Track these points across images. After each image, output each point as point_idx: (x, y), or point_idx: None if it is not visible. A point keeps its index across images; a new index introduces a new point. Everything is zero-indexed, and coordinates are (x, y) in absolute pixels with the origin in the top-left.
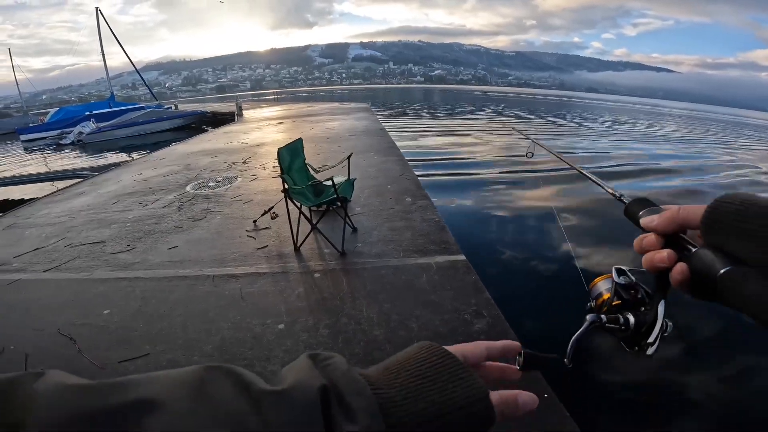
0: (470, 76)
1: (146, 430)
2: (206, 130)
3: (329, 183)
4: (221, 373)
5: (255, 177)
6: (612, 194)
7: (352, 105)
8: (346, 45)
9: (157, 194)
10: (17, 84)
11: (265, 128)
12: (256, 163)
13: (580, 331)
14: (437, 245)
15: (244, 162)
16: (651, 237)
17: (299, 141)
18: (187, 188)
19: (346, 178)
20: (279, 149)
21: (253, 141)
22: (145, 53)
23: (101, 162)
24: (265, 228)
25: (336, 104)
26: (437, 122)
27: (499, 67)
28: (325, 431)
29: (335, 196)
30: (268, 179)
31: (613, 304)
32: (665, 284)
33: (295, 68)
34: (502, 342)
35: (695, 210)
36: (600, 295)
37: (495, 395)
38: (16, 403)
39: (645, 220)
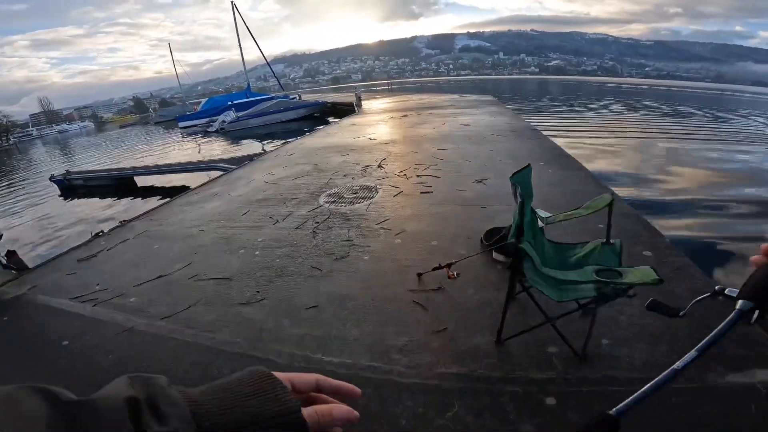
0: (595, 67)
1: None
2: (328, 121)
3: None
4: (31, 390)
5: (399, 191)
6: None
7: (476, 97)
8: (453, 36)
9: (288, 205)
10: (177, 77)
11: (389, 122)
12: (394, 168)
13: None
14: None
15: (380, 165)
16: None
17: (528, 170)
18: (321, 200)
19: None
20: (514, 179)
21: (381, 137)
22: (272, 47)
23: (238, 152)
24: (436, 289)
25: (456, 96)
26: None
27: (632, 57)
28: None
29: (612, 293)
30: (416, 197)
31: None
32: None
33: (403, 59)
34: (338, 382)
35: None
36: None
37: (310, 410)
38: None
39: None
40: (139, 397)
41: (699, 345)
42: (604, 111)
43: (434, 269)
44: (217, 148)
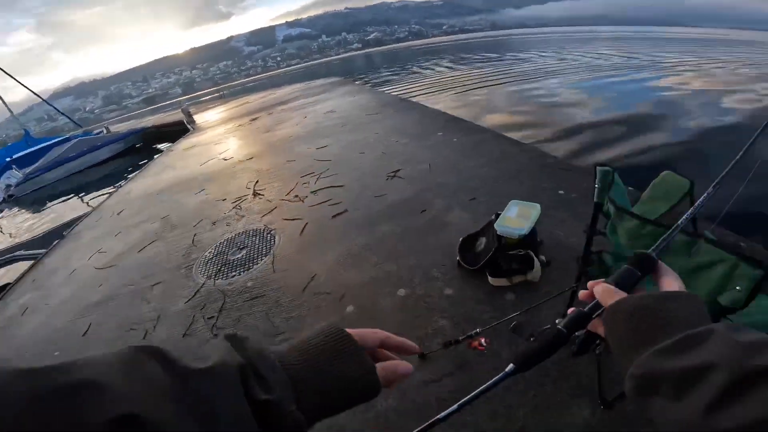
0: (406, 33)
1: (92, 408)
2: (158, 150)
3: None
4: (149, 354)
5: (302, 223)
6: None
7: (321, 81)
8: (272, 28)
9: (150, 300)
10: None
11: (239, 131)
12: (276, 190)
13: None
14: None
15: (255, 193)
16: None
17: (609, 172)
18: (197, 277)
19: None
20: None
21: (238, 153)
22: (49, 80)
23: (44, 227)
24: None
25: (300, 85)
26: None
27: (431, 18)
28: (246, 400)
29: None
30: (330, 226)
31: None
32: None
33: (225, 62)
34: (402, 339)
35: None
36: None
37: (378, 367)
38: None
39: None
40: (245, 363)
41: (463, 399)
42: (440, 69)
43: (446, 345)
44: (11, 228)
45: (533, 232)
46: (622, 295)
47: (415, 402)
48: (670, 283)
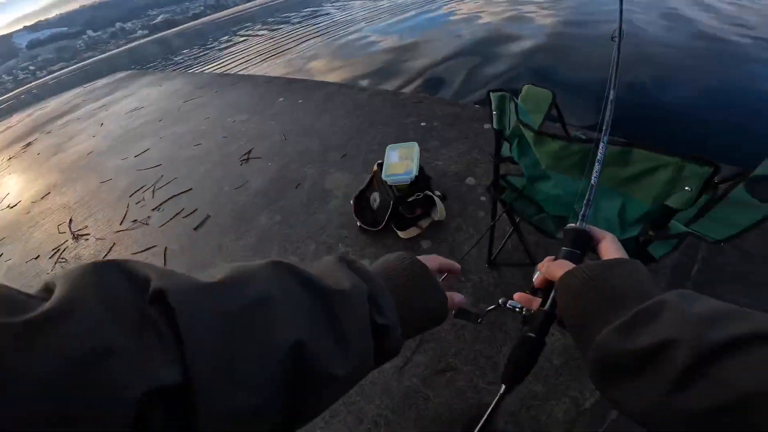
0: (202, 7)
1: (272, 322)
2: None
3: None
4: (289, 272)
5: (161, 248)
6: None
7: (105, 81)
8: (7, 37)
9: None
10: None
11: (12, 164)
12: (106, 223)
13: (495, 306)
14: None
15: (78, 237)
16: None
17: (506, 97)
18: None
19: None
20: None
21: (27, 193)
22: None
23: None
24: None
25: (79, 89)
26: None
27: None
28: (370, 324)
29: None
30: (213, 235)
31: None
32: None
33: None
34: (450, 261)
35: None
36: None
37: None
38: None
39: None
40: (370, 291)
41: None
42: (256, 36)
43: None
44: None
45: (421, 170)
46: (570, 266)
47: (389, 384)
48: (608, 248)
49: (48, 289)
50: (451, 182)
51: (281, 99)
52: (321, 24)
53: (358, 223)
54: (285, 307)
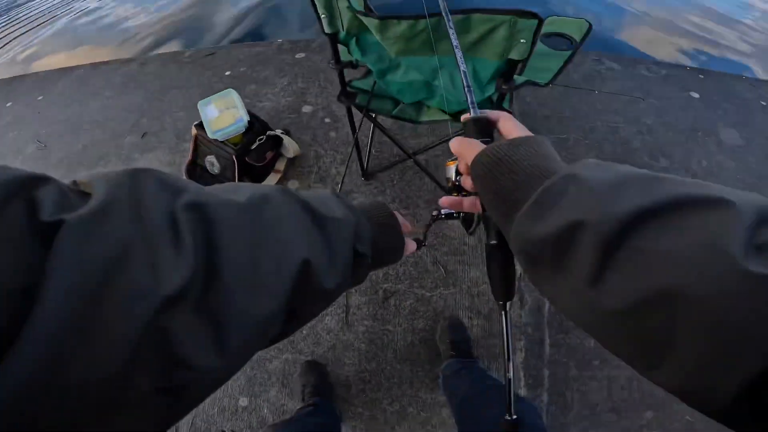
0: None
1: (285, 240)
2: None
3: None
4: (288, 195)
5: None
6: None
7: None
8: None
9: None
10: None
11: None
12: None
13: (432, 220)
14: None
15: None
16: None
17: None
18: None
19: None
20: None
21: None
22: None
23: None
24: None
25: None
26: None
27: None
28: (353, 249)
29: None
30: None
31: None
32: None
33: None
34: (403, 219)
35: (473, 154)
36: (449, 178)
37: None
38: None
39: (452, 142)
40: (356, 222)
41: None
42: None
43: None
44: None
45: (251, 115)
46: (480, 146)
47: None
48: (508, 126)
49: (77, 188)
50: (287, 117)
51: (9, 104)
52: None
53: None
54: (294, 227)
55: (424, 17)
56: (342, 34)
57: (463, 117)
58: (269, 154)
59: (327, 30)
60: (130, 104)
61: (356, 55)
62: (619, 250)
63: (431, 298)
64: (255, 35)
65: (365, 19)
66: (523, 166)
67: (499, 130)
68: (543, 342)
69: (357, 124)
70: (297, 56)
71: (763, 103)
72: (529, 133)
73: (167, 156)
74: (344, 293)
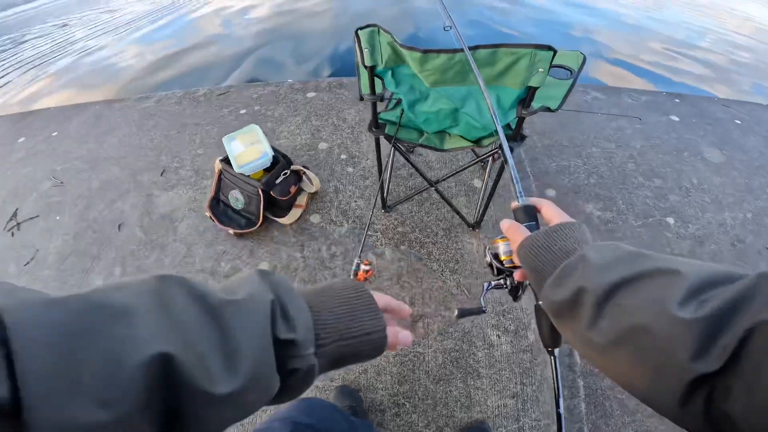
0: None
1: (128, 344)
2: None
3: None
4: (177, 285)
5: None
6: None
7: None
8: None
9: None
10: None
11: None
12: None
13: (484, 292)
14: None
15: None
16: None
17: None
18: None
19: None
20: (364, 31)
21: None
22: None
23: None
24: None
25: None
26: None
27: None
28: (271, 337)
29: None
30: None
31: (505, 267)
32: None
33: None
34: (400, 302)
35: (519, 240)
36: (497, 254)
37: (388, 329)
38: None
39: (503, 223)
40: (275, 300)
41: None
42: None
43: None
44: None
45: (274, 149)
46: (525, 233)
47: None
48: (550, 212)
49: None
50: (305, 153)
51: (22, 139)
52: (40, 48)
53: (230, 231)
54: (150, 318)
55: (461, 50)
56: (380, 67)
57: (513, 205)
58: (293, 189)
59: (368, 63)
60: (151, 141)
61: (390, 87)
62: (606, 305)
63: (458, 320)
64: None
65: (409, 53)
66: (554, 249)
67: (542, 215)
68: (572, 354)
69: (388, 157)
70: (308, 95)
71: (737, 121)
72: (568, 218)
73: (188, 192)
74: None
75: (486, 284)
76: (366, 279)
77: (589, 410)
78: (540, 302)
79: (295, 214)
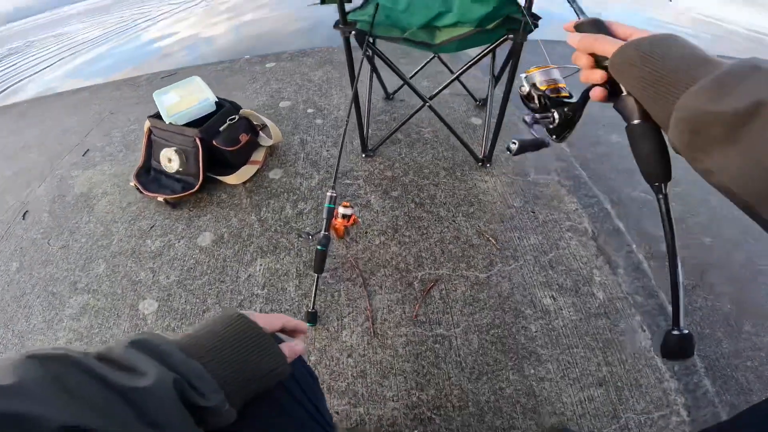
0: None
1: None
2: None
3: None
4: (76, 369)
5: None
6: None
7: None
8: None
9: None
10: None
11: None
12: None
13: (530, 126)
14: None
15: None
16: (589, 58)
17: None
18: None
19: None
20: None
21: None
22: None
23: None
24: None
25: None
26: None
27: None
28: (186, 406)
29: None
30: None
31: (549, 96)
32: (588, 94)
33: None
34: (297, 321)
35: (610, 48)
36: (532, 84)
37: (284, 348)
38: None
39: (571, 36)
40: (178, 378)
41: None
42: None
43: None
44: None
45: (222, 100)
46: (614, 42)
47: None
48: (631, 30)
49: None
50: (263, 112)
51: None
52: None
53: (160, 198)
54: (45, 395)
55: None
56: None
57: (575, 22)
58: (244, 137)
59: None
60: (75, 126)
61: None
62: None
63: (489, 280)
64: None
65: None
66: (677, 53)
67: (614, 34)
68: (665, 312)
69: (358, 68)
70: (267, 65)
71: None
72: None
73: (113, 168)
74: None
75: (528, 117)
76: (346, 230)
77: (718, 388)
78: (635, 121)
79: (247, 171)
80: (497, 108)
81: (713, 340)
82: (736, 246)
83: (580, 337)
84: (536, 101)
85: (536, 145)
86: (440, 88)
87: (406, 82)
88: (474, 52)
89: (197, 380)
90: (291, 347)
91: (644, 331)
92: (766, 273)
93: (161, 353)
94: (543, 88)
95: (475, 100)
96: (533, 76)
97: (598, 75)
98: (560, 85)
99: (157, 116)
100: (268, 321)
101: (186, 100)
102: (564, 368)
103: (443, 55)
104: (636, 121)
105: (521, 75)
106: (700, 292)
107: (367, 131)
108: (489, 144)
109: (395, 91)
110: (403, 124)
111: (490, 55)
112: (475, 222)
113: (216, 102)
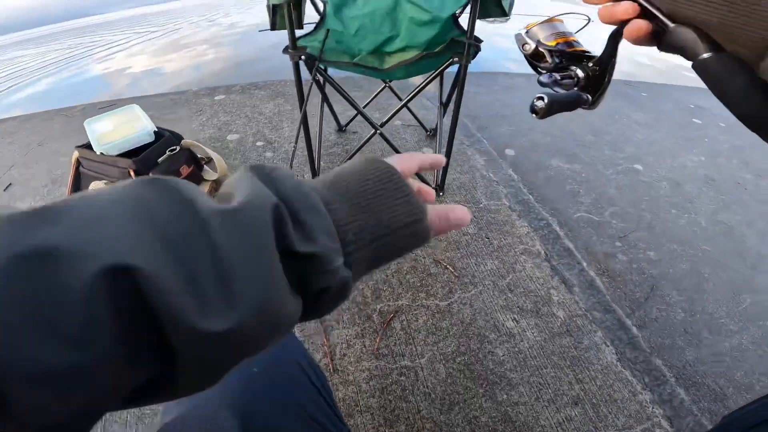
0: None
1: (77, 250)
2: None
3: None
4: (161, 188)
5: None
6: None
7: None
8: None
9: None
10: None
11: None
12: None
13: (551, 85)
14: None
15: None
16: None
17: None
18: None
19: None
20: None
21: None
22: None
23: None
24: None
25: None
26: None
27: None
28: (279, 252)
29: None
30: None
31: (565, 50)
32: (617, 38)
33: None
34: (432, 156)
35: None
36: (537, 40)
37: (430, 210)
38: None
39: None
40: (280, 203)
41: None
42: None
43: None
44: None
45: (162, 131)
46: None
47: None
48: None
49: None
50: (212, 146)
51: None
52: None
53: None
54: (115, 228)
55: None
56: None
57: None
58: (184, 169)
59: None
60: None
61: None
62: None
63: (450, 308)
64: None
65: None
66: None
67: None
68: (624, 326)
69: (306, 92)
70: (216, 98)
71: (644, 94)
72: None
73: (36, 204)
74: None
75: (545, 77)
76: None
77: (693, 396)
78: (705, 54)
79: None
80: (447, 137)
81: (675, 349)
82: (679, 257)
83: (547, 357)
84: (548, 58)
85: (571, 101)
86: (390, 114)
87: (357, 110)
88: (423, 80)
89: (308, 213)
90: (443, 213)
91: (608, 346)
92: (711, 280)
93: (272, 177)
94: (552, 43)
95: (426, 131)
96: (535, 32)
97: (624, 7)
98: (573, 39)
99: (88, 146)
100: (401, 162)
101: (121, 129)
102: (537, 390)
103: (394, 85)
104: (707, 55)
105: (519, 32)
106: (653, 304)
107: (319, 163)
108: (441, 172)
109: (348, 123)
110: (355, 153)
111: (438, 84)
112: (432, 250)
113: (155, 131)
